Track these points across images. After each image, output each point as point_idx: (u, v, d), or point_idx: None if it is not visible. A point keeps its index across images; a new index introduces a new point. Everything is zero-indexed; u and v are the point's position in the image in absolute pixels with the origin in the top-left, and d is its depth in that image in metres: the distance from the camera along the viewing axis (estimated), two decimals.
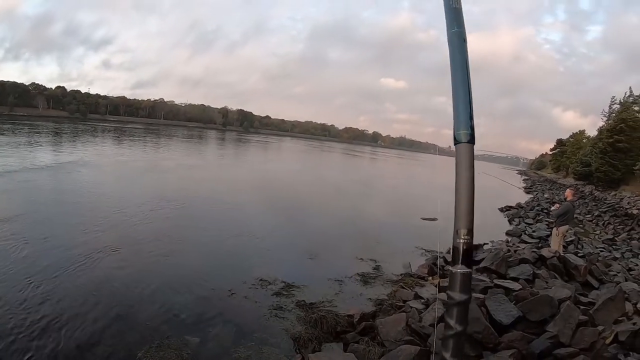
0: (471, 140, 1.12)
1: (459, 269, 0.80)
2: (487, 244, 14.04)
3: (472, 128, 1.20)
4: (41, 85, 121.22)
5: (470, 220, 0.93)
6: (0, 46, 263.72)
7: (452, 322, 0.76)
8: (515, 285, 7.58)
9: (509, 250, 11.09)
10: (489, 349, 5.57)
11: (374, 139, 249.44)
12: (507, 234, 17.78)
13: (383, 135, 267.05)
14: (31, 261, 8.66)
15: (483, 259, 10.10)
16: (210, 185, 23.66)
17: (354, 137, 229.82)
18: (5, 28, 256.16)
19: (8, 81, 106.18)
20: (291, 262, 10.64)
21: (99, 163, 27.26)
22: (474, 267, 9.88)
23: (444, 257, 10.89)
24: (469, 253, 0.78)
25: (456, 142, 1.21)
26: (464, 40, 2.07)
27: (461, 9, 2.14)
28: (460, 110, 1.16)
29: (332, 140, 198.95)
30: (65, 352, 5.68)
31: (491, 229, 18.03)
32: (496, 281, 8.03)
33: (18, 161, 23.16)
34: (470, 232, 0.95)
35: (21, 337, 5.88)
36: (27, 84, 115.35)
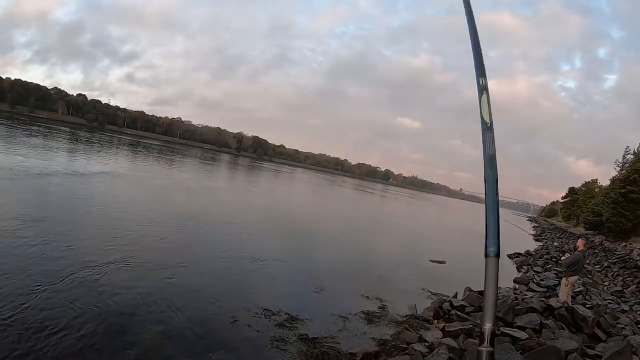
0: (497, 255, 1.49)
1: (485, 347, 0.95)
2: None
3: (498, 245, 1.43)
4: (63, 90, 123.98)
5: (493, 313, 1.11)
6: (29, 48, 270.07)
7: None
8: (522, 335, 7.48)
9: (516, 298, 10.94)
10: None
11: (385, 177, 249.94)
12: (515, 281, 17.49)
13: (395, 173, 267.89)
14: (45, 263, 8.92)
15: None
16: (227, 209, 24.21)
17: (366, 173, 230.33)
18: (37, 31, 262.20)
19: (32, 82, 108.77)
20: (296, 294, 10.58)
21: (129, 177, 28.26)
22: (481, 313, 9.78)
23: (450, 301, 10.79)
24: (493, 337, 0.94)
25: (486, 255, 1.42)
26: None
27: None
28: (490, 229, 1.51)
29: (344, 175, 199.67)
30: None
31: (499, 276, 17.83)
32: (503, 329, 7.92)
33: (52, 164, 24.73)
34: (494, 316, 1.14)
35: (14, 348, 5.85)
36: (49, 88, 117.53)
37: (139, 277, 9.48)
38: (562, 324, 8.80)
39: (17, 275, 8.11)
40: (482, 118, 1.72)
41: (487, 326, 1.31)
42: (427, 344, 7.70)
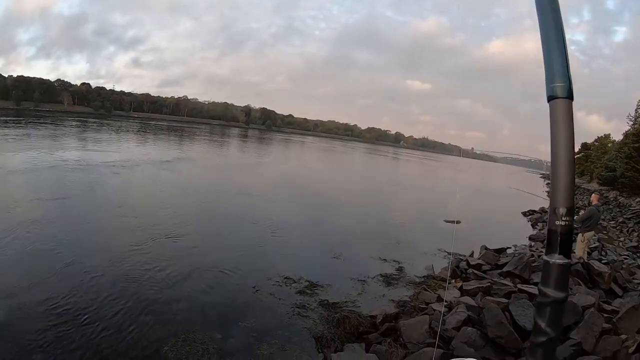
0: (570, 96, 0.83)
1: (557, 259, 0.58)
2: (510, 248, 13.96)
3: (569, 80, 0.88)
4: (67, 82, 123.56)
5: (570, 196, 0.65)
6: (32, 45, 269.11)
7: (543, 325, 0.59)
8: None
9: (532, 255, 11.02)
10: (512, 354, 5.59)
11: (396, 140, 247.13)
12: (531, 238, 17.52)
13: (406, 136, 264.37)
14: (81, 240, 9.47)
15: (506, 263, 10.09)
16: (242, 180, 24.87)
17: (377, 138, 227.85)
18: (40, 27, 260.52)
19: (34, 77, 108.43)
20: (315, 261, 10.75)
21: (173, 163, 28.88)
22: (498, 272, 9.89)
23: (467, 260, 10.89)
24: (568, 239, 0.58)
25: (550, 98, 0.88)
26: None
27: None
28: (553, 59, 0.87)
29: (354, 140, 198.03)
30: (91, 343, 5.85)
31: (514, 233, 17.90)
32: (520, 286, 8.04)
33: (94, 156, 25.84)
34: (570, 211, 0.67)
35: (43, 326, 6.12)
36: (52, 81, 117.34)
37: (166, 254, 9.77)
38: (578, 280, 8.84)
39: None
40: None
41: (564, 221, 0.91)
42: (445, 303, 7.81)
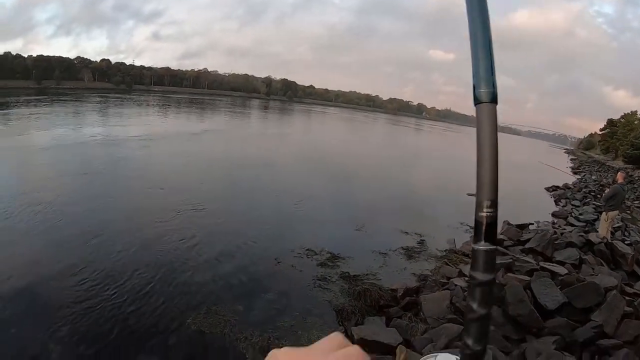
0: (494, 100, 0.86)
1: (483, 246, 0.63)
2: (533, 224, 13.76)
3: (494, 85, 0.91)
4: (86, 58, 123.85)
5: (494, 190, 0.71)
6: (51, 23, 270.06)
7: (475, 306, 0.64)
8: (562, 270, 7.49)
9: (555, 233, 10.91)
10: (532, 333, 5.56)
11: (418, 111, 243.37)
12: (554, 215, 17.24)
13: (428, 107, 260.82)
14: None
15: (529, 239, 9.99)
16: (264, 151, 25.10)
17: (399, 108, 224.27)
18: (59, 5, 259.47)
19: (54, 56, 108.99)
20: (337, 233, 10.76)
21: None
22: (520, 248, 9.80)
23: None
24: (493, 228, 0.63)
25: (477, 102, 0.91)
26: None
27: None
28: (479, 66, 0.88)
29: (376, 111, 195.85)
30: (115, 314, 6.03)
31: (537, 209, 17.64)
32: (542, 264, 7.95)
33: (132, 130, 26.71)
34: (494, 204, 0.73)
35: (69, 296, 6.34)
36: (72, 58, 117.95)
37: (191, 225, 9.98)
38: (601, 260, 8.75)
39: None
40: None
41: (487, 212, 0.75)
42: (466, 278, 7.80)
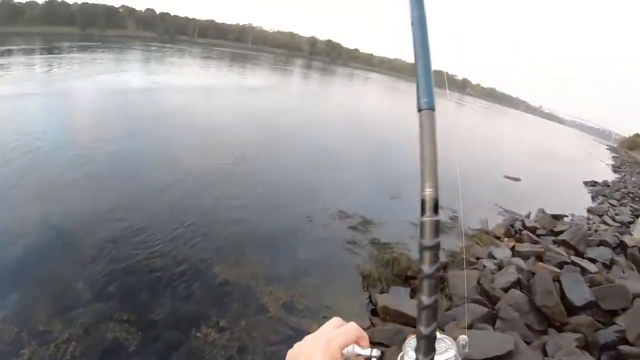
0: (432, 108, 1.02)
1: (427, 217, 0.74)
2: (567, 216, 13.50)
3: (432, 95, 1.10)
4: (131, 7, 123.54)
5: (434, 177, 0.82)
6: None
7: (425, 267, 0.77)
8: (592, 267, 7.38)
9: (589, 229, 10.68)
10: (555, 326, 5.51)
11: (462, 86, 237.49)
12: (589, 210, 16.72)
13: (473, 83, 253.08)
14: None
15: (563, 231, 9.81)
16: (309, 111, 25.27)
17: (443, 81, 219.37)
18: None
19: (99, 4, 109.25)
20: (372, 199, 10.74)
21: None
22: (552, 238, 9.62)
23: (522, 221, 10.67)
24: (434, 203, 0.73)
25: (419, 109, 1.13)
26: None
27: None
28: (420, 76, 1.07)
29: None
30: (144, 261, 6.19)
31: (572, 202, 17.22)
32: (574, 258, 7.83)
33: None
34: (433, 185, 0.85)
35: (104, 237, 6.55)
36: (117, 7, 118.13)
37: (229, 178, 10.21)
38: (632, 264, 8.49)
39: None
40: None
41: (428, 191, 1.02)
42: (496, 261, 7.75)
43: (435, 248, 0.85)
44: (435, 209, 0.82)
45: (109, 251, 6.12)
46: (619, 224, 14.82)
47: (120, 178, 8.96)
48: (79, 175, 8.74)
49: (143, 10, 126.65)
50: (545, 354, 4.97)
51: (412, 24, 1.22)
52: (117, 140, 11.36)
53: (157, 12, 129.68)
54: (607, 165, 43.62)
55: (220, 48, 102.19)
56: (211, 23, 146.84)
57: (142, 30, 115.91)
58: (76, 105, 15.91)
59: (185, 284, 5.78)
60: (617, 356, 5.04)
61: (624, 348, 5.05)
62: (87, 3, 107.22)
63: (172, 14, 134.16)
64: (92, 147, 10.42)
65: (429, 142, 0.94)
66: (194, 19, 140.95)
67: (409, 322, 5.25)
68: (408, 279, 6.83)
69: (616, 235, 10.08)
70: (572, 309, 5.72)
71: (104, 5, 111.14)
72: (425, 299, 0.73)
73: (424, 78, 1.07)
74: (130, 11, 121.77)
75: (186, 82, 26.57)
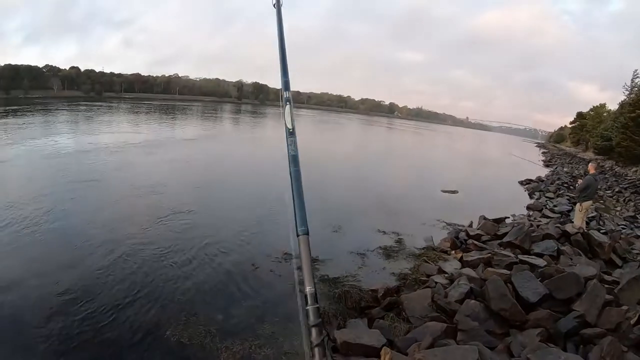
0: (307, 233, 1.71)
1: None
2: (509, 217, 13.91)
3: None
4: (55, 66, 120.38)
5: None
6: (21, 31, 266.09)
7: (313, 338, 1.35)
8: (540, 262, 7.54)
9: (531, 225, 10.98)
10: (516, 326, 5.54)
11: (390, 110, 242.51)
12: (528, 208, 17.39)
13: (400, 106, 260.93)
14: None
15: (506, 233, 10.04)
16: (227, 157, 24.46)
17: (371, 108, 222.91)
18: (28, 13, 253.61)
19: (22, 65, 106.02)
20: (314, 235, 10.44)
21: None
22: (497, 242, 9.82)
23: (466, 231, 10.84)
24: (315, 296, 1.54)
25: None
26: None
27: None
28: (297, 209, 1.77)
29: (348, 112, 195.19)
30: (89, 326, 5.81)
31: (512, 202, 17.88)
32: (520, 257, 8.00)
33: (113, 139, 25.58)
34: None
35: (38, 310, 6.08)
36: (41, 67, 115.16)
37: (162, 235, 9.75)
38: (578, 250, 8.84)
39: None
40: (285, 125, 1.99)
41: (309, 288, 1.57)
42: (446, 275, 7.77)
43: (320, 325, 1.39)
44: (316, 299, 1.44)
45: (58, 330, 5.67)
46: (558, 215, 15.52)
47: (59, 248, 8.42)
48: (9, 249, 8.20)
49: (68, 69, 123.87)
50: (511, 354, 4.99)
51: (291, 175, 1.80)
52: (51, 209, 10.74)
53: (82, 69, 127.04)
54: (539, 160, 45.62)
55: (148, 102, 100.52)
56: (137, 77, 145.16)
57: (68, 90, 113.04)
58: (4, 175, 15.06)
59: (135, 352, 5.43)
60: (581, 340, 5.12)
61: (587, 331, 5.14)
62: (10, 65, 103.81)
63: (97, 70, 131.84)
64: (24, 218, 9.82)
65: (307, 258, 1.59)
66: (119, 74, 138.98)
67: (372, 353, 5.09)
68: (363, 310, 6.72)
69: (558, 226, 10.46)
70: (528, 306, 5.78)
71: (27, 66, 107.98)
72: None
73: (300, 211, 1.68)
74: (55, 71, 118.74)
75: (121, 140, 25.78)
